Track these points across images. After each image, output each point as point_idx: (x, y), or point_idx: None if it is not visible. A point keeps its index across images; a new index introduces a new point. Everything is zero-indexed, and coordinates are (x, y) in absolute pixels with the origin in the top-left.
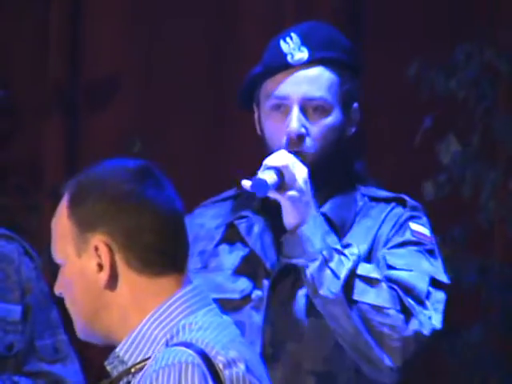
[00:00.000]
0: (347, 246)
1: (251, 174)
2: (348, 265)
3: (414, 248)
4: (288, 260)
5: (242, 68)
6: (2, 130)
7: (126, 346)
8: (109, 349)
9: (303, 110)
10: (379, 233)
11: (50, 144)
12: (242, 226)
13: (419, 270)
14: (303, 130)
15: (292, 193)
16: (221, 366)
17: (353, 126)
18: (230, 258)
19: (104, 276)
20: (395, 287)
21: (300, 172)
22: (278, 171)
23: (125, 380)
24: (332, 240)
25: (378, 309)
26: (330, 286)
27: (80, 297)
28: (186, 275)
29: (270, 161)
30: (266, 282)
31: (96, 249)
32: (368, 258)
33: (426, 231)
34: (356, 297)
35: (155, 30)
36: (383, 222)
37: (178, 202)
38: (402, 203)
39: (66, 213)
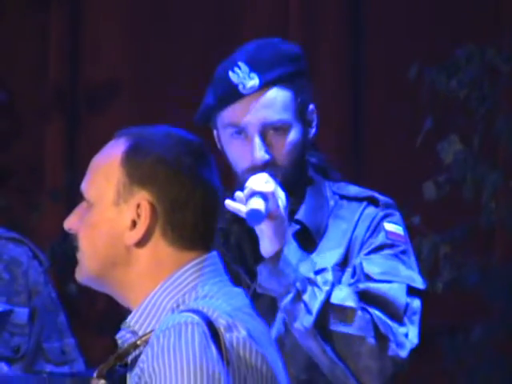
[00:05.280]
0: (321, 270)
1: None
2: (321, 297)
3: (390, 252)
4: (262, 291)
5: None
6: (3, 131)
7: (136, 315)
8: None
9: (263, 134)
10: (354, 235)
11: (51, 146)
12: (218, 238)
13: (397, 278)
14: (267, 157)
15: (275, 222)
16: (222, 328)
17: (312, 128)
18: None
19: (135, 235)
20: (370, 310)
21: (282, 199)
22: (266, 198)
23: (132, 354)
24: (306, 268)
25: (353, 338)
26: (303, 321)
27: (101, 244)
28: (209, 253)
29: (255, 185)
30: None
31: (138, 206)
32: (344, 262)
33: (399, 230)
34: (331, 327)
35: (156, 33)
36: (357, 223)
37: (221, 187)
38: (373, 202)
39: (119, 158)
